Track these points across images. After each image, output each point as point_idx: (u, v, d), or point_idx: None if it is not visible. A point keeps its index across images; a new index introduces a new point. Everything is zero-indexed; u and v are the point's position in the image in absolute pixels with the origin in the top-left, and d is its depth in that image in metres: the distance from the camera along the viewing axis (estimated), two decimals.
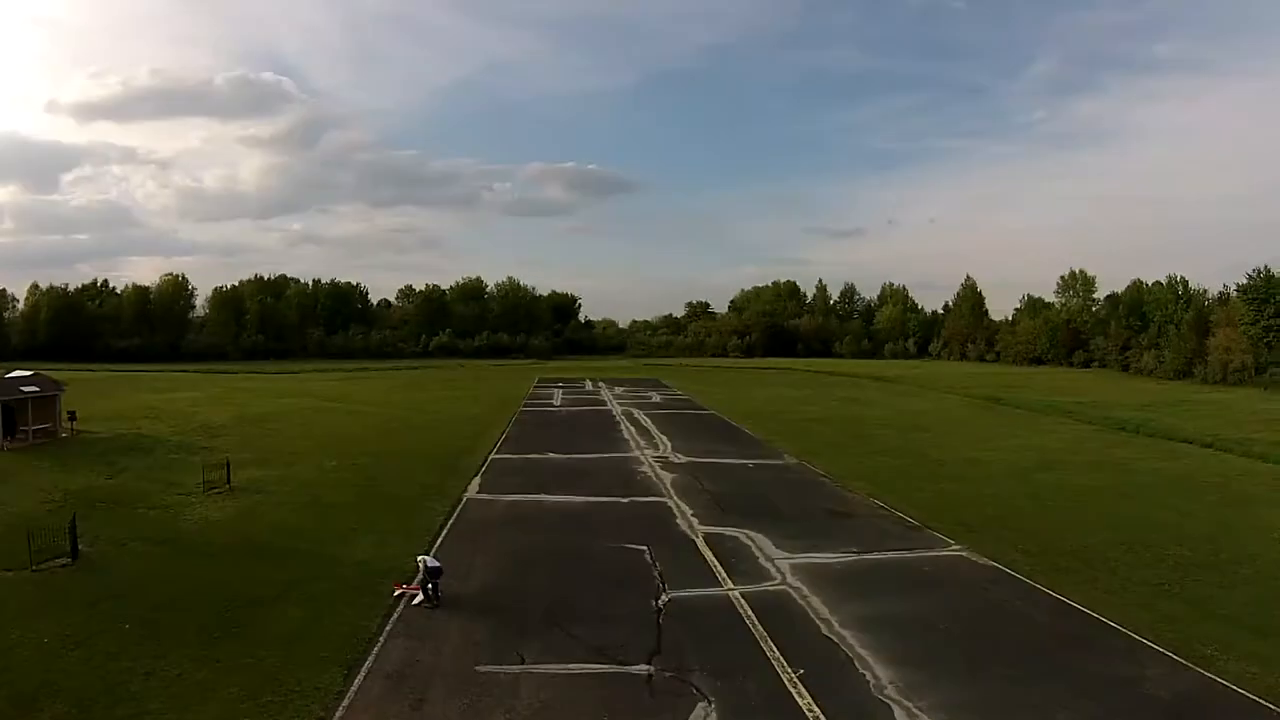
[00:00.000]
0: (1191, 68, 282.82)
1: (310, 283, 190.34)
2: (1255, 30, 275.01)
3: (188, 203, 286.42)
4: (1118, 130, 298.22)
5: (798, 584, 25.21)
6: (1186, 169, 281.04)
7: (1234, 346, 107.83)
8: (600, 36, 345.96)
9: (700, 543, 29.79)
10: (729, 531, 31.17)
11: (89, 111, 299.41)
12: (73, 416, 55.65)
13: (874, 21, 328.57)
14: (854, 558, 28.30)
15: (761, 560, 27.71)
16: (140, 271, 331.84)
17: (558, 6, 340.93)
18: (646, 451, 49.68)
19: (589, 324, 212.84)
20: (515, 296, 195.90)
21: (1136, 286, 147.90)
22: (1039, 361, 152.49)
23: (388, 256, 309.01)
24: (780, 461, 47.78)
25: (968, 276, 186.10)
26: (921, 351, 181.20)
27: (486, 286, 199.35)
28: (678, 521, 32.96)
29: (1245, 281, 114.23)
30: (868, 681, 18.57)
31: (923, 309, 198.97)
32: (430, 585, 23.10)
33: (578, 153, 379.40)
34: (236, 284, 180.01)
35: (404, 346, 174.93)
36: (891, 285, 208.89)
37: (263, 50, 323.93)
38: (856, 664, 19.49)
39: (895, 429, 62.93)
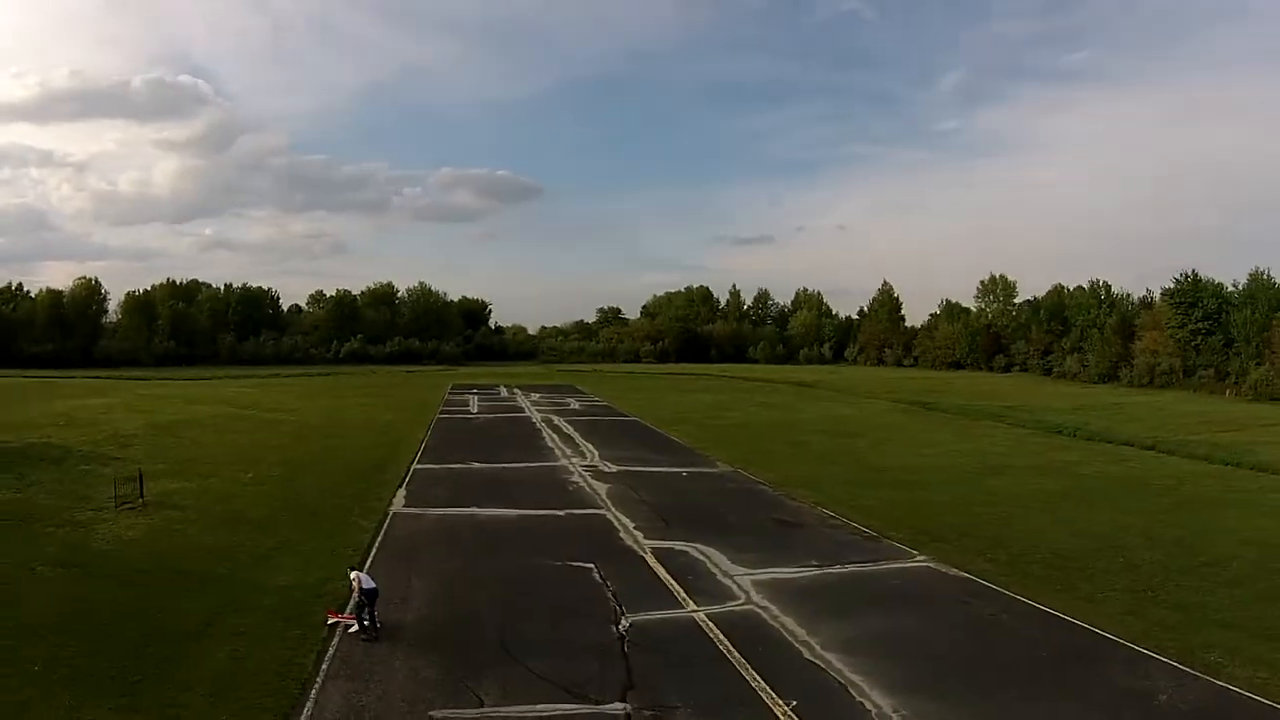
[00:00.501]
0: (1101, 78, 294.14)
1: (222, 288, 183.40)
2: (1164, 43, 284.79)
3: (102, 206, 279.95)
4: (1028, 139, 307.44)
5: (764, 602, 23.03)
6: (1097, 178, 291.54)
7: (1161, 350, 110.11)
8: (513, 42, 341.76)
9: (650, 559, 27.42)
10: (678, 545, 28.82)
11: (8, 113, 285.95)
12: None
13: (785, 31, 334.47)
14: (816, 571, 26.35)
15: (720, 577, 25.42)
16: (55, 276, 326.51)
17: (471, 11, 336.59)
18: (574, 460, 47.11)
19: (499, 330, 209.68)
20: (426, 302, 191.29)
21: (1057, 291, 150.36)
22: (958, 366, 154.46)
23: (299, 262, 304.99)
24: (714, 470, 45.65)
25: (885, 282, 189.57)
26: (837, 356, 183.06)
27: (397, 292, 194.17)
28: (621, 536, 30.48)
29: (1172, 286, 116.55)
30: (869, 711, 16.54)
31: (838, 314, 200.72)
32: (367, 612, 20.19)
33: (489, 158, 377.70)
34: (149, 289, 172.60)
35: (315, 353, 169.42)
36: (805, 291, 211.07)
37: (180, 52, 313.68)
38: (851, 691, 17.39)
39: (825, 434, 61.63)
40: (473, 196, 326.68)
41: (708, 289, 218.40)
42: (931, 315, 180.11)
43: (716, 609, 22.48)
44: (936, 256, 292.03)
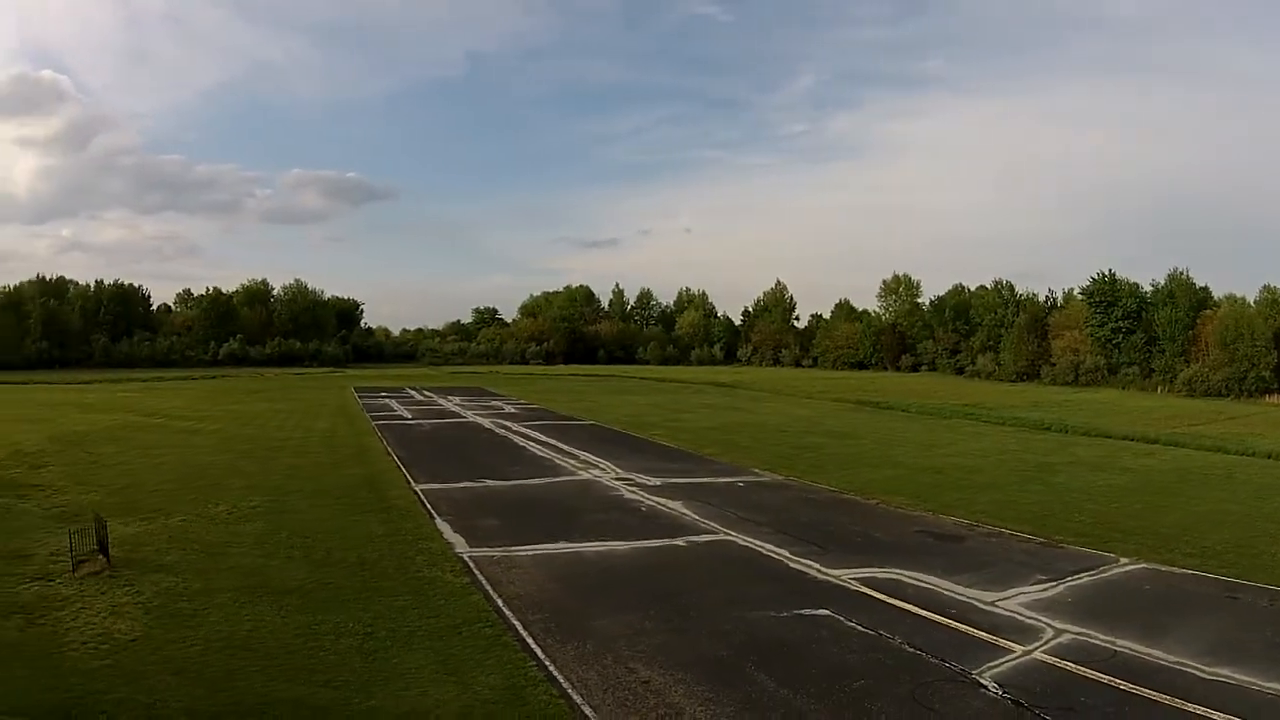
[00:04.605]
0: (951, 85, 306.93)
1: (92, 284, 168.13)
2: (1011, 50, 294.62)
3: None
4: (877, 143, 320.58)
5: (1090, 633, 18.92)
6: (952, 180, 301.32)
7: (1082, 348, 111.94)
8: (363, 41, 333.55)
9: (878, 594, 21.82)
10: (878, 574, 23.56)
11: None
12: None
13: (634, 35, 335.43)
14: (1062, 589, 22.40)
15: (990, 608, 20.69)
16: None
17: (322, 9, 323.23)
18: (595, 473, 40.60)
19: (370, 331, 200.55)
20: (303, 300, 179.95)
21: (959, 290, 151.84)
22: (862, 366, 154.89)
23: (152, 265, 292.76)
24: (766, 479, 40.23)
25: (778, 281, 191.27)
26: (729, 357, 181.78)
27: (273, 289, 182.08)
28: (793, 566, 24.69)
29: (1089, 284, 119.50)
30: None
31: (724, 315, 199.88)
32: None
33: (337, 160, 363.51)
34: (17, 285, 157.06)
35: (192, 354, 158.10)
36: (689, 291, 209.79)
37: (40, 47, 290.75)
38: None
39: (820, 435, 57.80)
40: (320, 198, 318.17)
41: (589, 288, 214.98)
42: (814, 315, 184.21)
43: (1056, 650, 18.02)
44: (784, 257, 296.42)
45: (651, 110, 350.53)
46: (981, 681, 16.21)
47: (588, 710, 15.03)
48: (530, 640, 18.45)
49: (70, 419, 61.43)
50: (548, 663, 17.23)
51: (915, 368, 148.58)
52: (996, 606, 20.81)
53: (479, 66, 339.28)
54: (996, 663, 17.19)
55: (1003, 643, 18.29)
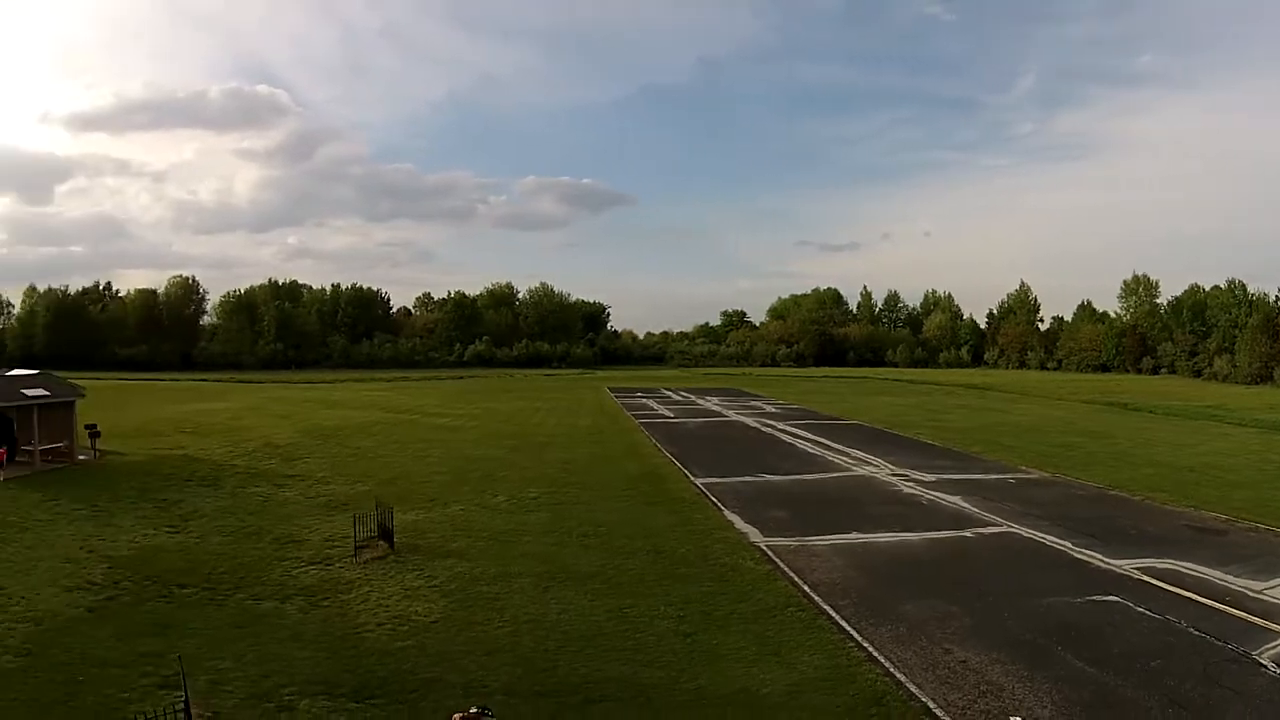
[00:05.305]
0: (1169, 81, 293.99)
1: (328, 288, 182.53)
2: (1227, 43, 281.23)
3: (182, 215, 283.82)
4: (1104, 141, 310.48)
5: None
6: (1180, 177, 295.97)
7: None
8: (590, 50, 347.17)
9: (1158, 583, 22.66)
10: (1156, 564, 24.52)
11: (83, 123, 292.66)
12: (94, 432, 42.38)
13: (862, 37, 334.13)
14: None
15: (1254, 594, 21.70)
16: (133, 285, 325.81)
17: (546, 20, 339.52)
18: (868, 470, 41.81)
19: (616, 334, 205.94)
20: (549, 303, 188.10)
21: (1194, 291, 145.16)
22: (1104, 369, 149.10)
23: (384, 271, 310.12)
24: (1034, 476, 40.79)
25: (1022, 283, 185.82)
26: (976, 360, 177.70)
27: (517, 292, 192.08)
28: (1076, 555, 25.81)
29: None
30: None
31: (969, 317, 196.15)
32: None
33: (573, 167, 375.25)
34: (247, 289, 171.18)
35: (435, 356, 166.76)
36: (935, 293, 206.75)
37: (255, 63, 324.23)
38: None
39: (1079, 436, 57.60)
40: (557, 204, 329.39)
41: (837, 291, 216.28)
42: (1055, 317, 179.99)
43: None
44: (1022, 259, 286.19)
45: (883, 112, 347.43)
46: (1261, 662, 17.17)
47: (913, 688, 16.01)
48: (844, 623, 19.56)
49: (318, 415, 65.44)
50: (866, 644, 18.23)
51: (1155, 370, 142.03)
52: (1265, 595, 21.62)
53: (709, 71, 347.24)
54: (1273, 645, 18.25)
55: (1275, 627, 19.12)
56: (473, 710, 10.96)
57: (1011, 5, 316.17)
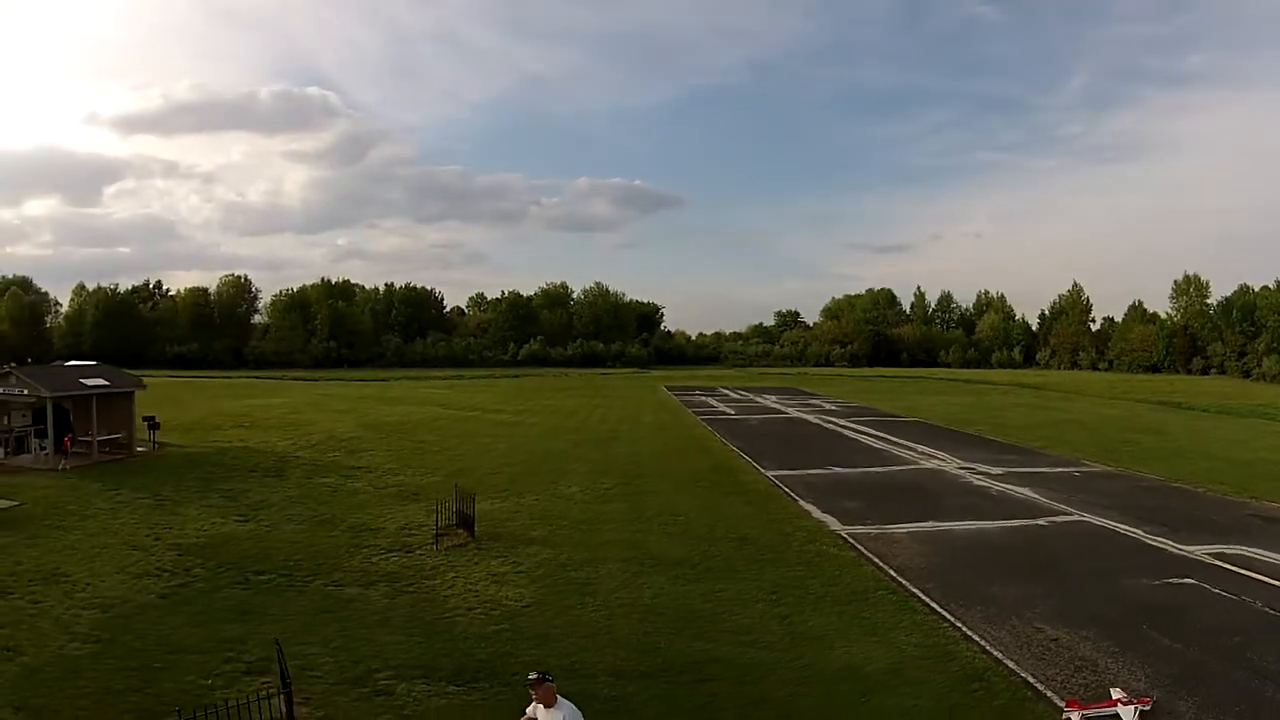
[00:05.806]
0: (1218, 81, 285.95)
1: (381, 288, 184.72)
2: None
3: (231, 216, 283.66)
4: (1153, 142, 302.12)
5: None
6: (1230, 178, 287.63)
7: None
8: (640, 52, 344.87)
9: (1230, 567, 23.53)
10: (1226, 550, 25.40)
11: (130, 124, 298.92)
12: (153, 424, 42.76)
13: (911, 38, 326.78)
14: None
15: None
16: (182, 285, 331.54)
17: (594, 22, 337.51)
18: (935, 463, 42.68)
19: (669, 334, 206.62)
20: (604, 303, 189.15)
21: (1244, 291, 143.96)
22: (1155, 369, 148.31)
23: (435, 271, 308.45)
24: (1098, 469, 41.87)
25: (1074, 283, 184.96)
26: (1028, 360, 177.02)
27: (572, 292, 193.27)
28: (1149, 542, 26.65)
29: None
30: None
31: (1021, 317, 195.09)
32: None
33: (625, 168, 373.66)
34: (299, 289, 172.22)
35: (490, 355, 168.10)
36: (988, 293, 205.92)
37: (305, 66, 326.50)
38: None
39: (1136, 432, 58.61)
40: (609, 205, 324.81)
41: (891, 292, 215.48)
42: (1106, 318, 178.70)
43: None
44: (1071, 260, 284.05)
45: (933, 114, 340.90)
46: None
47: (1010, 664, 16.58)
48: (935, 605, 20.14)
49: (377, 410, 66.19)
50: (959, 624, 18.82)
51: (1205, 370, 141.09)
52: None
53: (758, 73, 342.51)
54: None
55: None
56: (531, 676, 10.96)
57: (1061, 5, 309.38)
